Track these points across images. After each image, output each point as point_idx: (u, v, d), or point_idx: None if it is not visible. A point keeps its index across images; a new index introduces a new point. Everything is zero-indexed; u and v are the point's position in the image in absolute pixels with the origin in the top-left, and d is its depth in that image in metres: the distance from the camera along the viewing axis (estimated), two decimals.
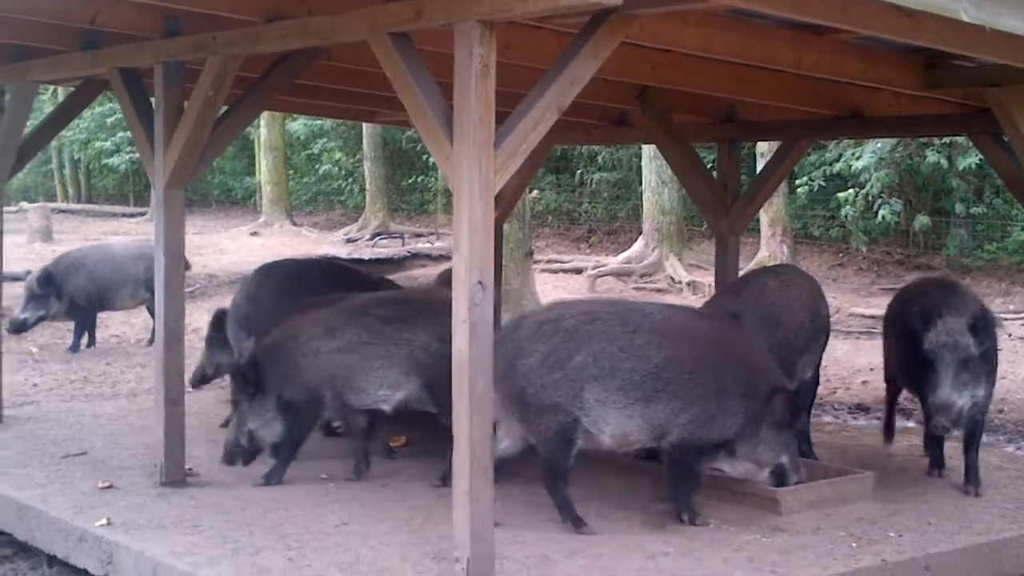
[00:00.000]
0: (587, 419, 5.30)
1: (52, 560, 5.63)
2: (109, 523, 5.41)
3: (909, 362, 6.46)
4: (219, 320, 7.82)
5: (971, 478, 6.26)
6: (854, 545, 5.20)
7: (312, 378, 6.12)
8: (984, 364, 6.12)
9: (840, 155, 16.87)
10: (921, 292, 6.76)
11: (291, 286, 7.45)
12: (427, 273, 17.18)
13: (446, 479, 5.50)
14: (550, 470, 5.36)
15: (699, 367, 5.36)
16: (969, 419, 6.15)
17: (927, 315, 6.14)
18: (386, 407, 6.24)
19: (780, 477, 5.54)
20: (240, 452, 6.14)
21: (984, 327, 6.10)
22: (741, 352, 5.60)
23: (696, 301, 14.07)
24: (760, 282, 6.99)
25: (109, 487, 6.04)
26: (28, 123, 8.02)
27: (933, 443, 6.71)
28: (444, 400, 5.98)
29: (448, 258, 5.49)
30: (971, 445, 6.29)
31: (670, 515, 5.54)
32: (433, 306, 6.31)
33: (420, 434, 6.88)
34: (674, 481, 5.47)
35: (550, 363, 5.31)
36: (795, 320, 6.72)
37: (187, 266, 7.02)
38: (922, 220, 16.56)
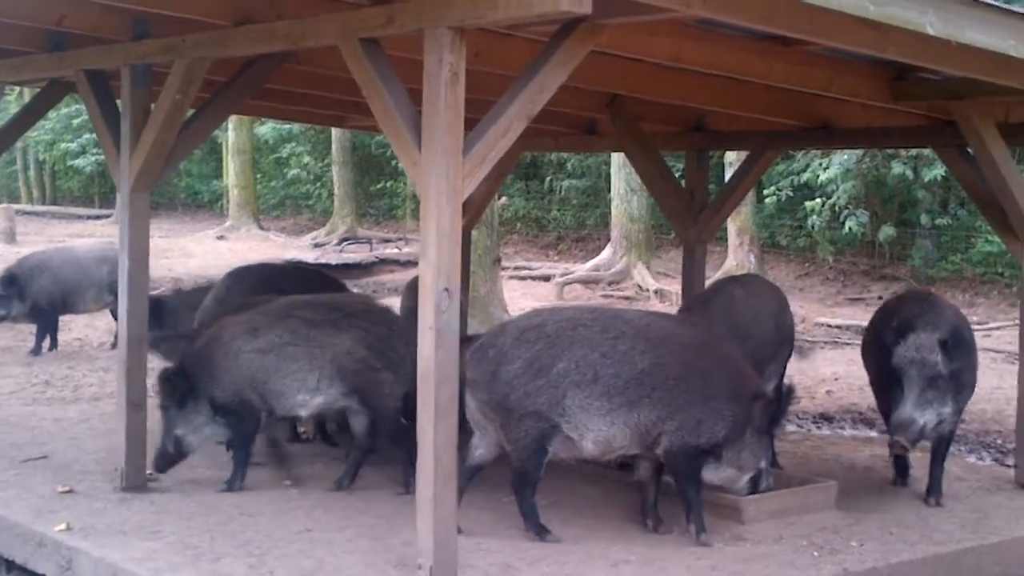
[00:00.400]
0: (568, 425, 5.30)
1: (10, 565, 5.55)
2: (69, 528, 5.36)
3: (881, 376, 6.44)
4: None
5: (933, 488, 6.30)
6: (816, 554, 5.23)
7: (235, 379, 6.02)
8: (953, 382, 6.01)
9: (807, 165, 17.00)
10: (899, 306, 6.65)
11: (261, 290, 7.39)
12: (395, 279, 17.14)
13: (410, 486, 5.49)
14: (521, 477, 5.34)
15: (684, 372, 5.37)
16: (936, 435, 6.14)
17: (899, 329, 6.07)
18: (304, 412, 6.15)
19: (755, 483, 5.55)
20: (168, 458, 6.08)
21: (956, 345, 5.99)
22: (724, 357, 5.62)
23: (663, 309, 14.11)
24: (728, 292, 7.02)
25: (69, 491, 5.97)
26: None
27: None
28: (375, 406, 5.97)
29: (416, 263, 5.49)
30: (937, 458, 6.31)
31: (634, 524, 5.55)
32: (366, 312, 6.26)
33: (384, 440, 6.84)
34: (683, 494, 5.43)
35: (533, 370, 5.31)
36: (762, 330, 6.75)
37: None
38: (887, 231, 16.71)
